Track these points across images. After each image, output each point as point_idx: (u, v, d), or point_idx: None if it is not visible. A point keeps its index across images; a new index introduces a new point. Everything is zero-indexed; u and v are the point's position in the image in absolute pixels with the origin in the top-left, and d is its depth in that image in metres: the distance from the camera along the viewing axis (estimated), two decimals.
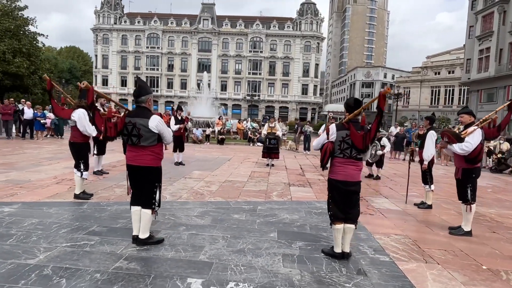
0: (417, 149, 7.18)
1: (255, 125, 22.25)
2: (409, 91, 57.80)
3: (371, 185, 8.87)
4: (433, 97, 54.69)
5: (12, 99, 15.88)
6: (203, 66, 56.87)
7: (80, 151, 5.70)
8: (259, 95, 55.97)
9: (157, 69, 57.31)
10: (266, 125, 11.41)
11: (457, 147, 4.85)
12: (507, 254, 4.30)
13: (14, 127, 15.76)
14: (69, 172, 8.00)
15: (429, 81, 54.91)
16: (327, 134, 3.81)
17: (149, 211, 3.83)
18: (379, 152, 9.54)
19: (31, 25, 26.72)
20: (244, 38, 56.38)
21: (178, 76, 57.81)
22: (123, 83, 58.68)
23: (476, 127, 4.88)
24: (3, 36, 23.30)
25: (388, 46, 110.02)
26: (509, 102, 5.00)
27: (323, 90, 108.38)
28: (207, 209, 5.53)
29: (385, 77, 74.00)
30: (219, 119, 21.00)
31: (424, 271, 3.64)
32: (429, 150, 6.36)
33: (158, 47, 57.20)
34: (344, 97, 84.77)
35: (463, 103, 46.84)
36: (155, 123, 3.75)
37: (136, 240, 3.85)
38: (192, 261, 3.53)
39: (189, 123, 10.64)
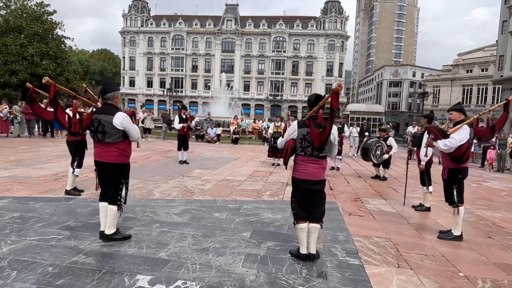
0: (415, 149, 6.85)
1: (271, 124, 22.07)
2: (439, 90, 55.65)
3: (374, 186, 8.57)
4: (465, 96, 52.30)
5: (45, 100, 16.57)
6: (227, 67, 57.35)
7: (77, 148, 5.86)
8: (281, 95, 55.73)
9: (182, 70, 58.31)
10: (272, 124, 11.31)
11: (441, 143, 4.59)
12: (493, 261, 3.99)
13: (36, 126, 16.49)
14: (60, 170, 8.25)
15: (461, 79, 52.58)
16: (290, 131, 3.69)
17: (114, 207, 3.86)
18: (385, 156, 9.22)
19: (59, 28, 27.99)
20: (267, 38, 56.30)
21: (202, 76, 58.56)
22: (149, 84, 60.15)
23: (464, 124, 4.59)
24: (32, 40, 24.54)
25: (418, 44, 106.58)
26: (506, 101, 4.66)
27: (350, 90, 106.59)
28: (190, 207, 5.51)
29: (413, 75, 71.65)
30: (234, 118, 21.04)
31: (391, 276, 3.44)
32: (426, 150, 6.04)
33: (182, 48, 58.19)
34: (370, 96, 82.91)
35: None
36: (119, 120, 3.77)
37: (102, 235, 3.88)
38: (150, 258, 3.52)
39: (193, 122, 10.67)
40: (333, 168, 10.90)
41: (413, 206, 6.44)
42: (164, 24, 58.98)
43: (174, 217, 4.97)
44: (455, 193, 4.67)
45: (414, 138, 15.31)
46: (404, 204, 6.59)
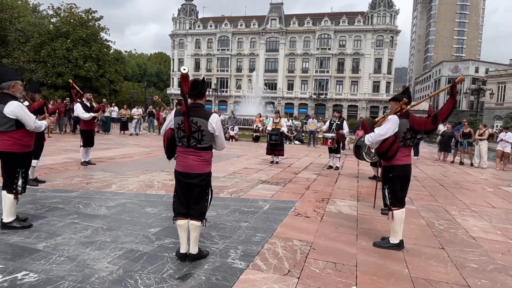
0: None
1: (296, 123, 21.44)
2: (505, 86, 50.38)
3: (363, 186, 7.87)
4: None
5: (68, 98, 17.86)
6: (270, 66, 57.27)
7: None
8: (326, 94, 54.25)
9: (227, 71, 59.32)
10: (271, 121, 10.92)
11: (365, 138, 4.02)
12: (414, 275, 3.36)
13: (68, 123, 17.71)
14: (61, 162, 8.66)
15: None
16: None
17: (11, 196, 3.88)
18: None
19: (105, 33, 29.96)
20: (312, 35, 55.16)
21: (246, 76, 59.01)
22: None
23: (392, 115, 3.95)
24: (76, 44, 26.50)
25: (484, 37, 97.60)
26: (453, 83, 3.93)
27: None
28: (129, 201, 5.43)
29: (476, 71, 65.81)
30: (257, 116, 20.79)
31: (263, 283, 3.02)
32: None
33: (228, 49, 59.17)
34: (427, 94, 77.47)
35: None
36: (11, 109, 3.77)
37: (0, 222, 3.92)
38: (24, 247, 3.47)
39: None
40: (330, 167, 10.23)
41: (382, 209, 5.74)
42: (210, 26, 60.46)
43: (102, 209, 4.91)
44: (386, 194, 4.04)
45: (442, 137, 13.97)
46: (374, 207, 5.90)
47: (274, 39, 57.34)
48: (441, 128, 15.10)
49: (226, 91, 59.02)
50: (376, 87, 53.05)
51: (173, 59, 63.43)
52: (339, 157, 10.28)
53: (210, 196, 3.44)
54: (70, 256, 3.33)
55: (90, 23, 28.60)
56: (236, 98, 58.74)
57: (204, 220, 3.40)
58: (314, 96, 53.08)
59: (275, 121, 10.76)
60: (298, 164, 10.83)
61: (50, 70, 25.18)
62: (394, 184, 4.01)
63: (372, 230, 4.73)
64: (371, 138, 3.96)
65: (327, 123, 10.47)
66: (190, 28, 61.46)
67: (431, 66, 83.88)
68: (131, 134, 18.75)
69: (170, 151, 3.39)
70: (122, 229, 4.14)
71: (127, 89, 46.42)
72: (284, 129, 10.90)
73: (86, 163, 8.41)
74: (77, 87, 8.54)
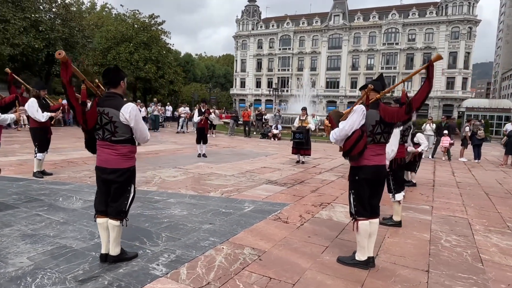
0: None
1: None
2: None
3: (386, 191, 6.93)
4: None
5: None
6: (332, 64, 55.43)
7: (35, 135, 6.39)
8: (393, 92, 50.73)
9: (288, 70, 58.80)
10: (297, 118, 10.33)
11: (330, 135, 3.41)
12: None
13: None
14: (86, 156, 9.12)
15: None
16: None
17: None
18: (410, 149, 7.36)
19: (166, 36, 31.62)
20: (378, 30, 52.03)
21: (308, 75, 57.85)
22: (258, 84, 62.51)
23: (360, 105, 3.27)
24: (138, 47, 28.32)
25: None
26: (428, 63, 3.16)
27: (490, 85, 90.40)
28: None
29: None
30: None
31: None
32: (390, 143, 4.55)
33: (289, 48, 58.61)
34: None
35: None
36: None
37: None
38: None
39: (211, 115, 10.54)
40: None
41: (384, 218, 4.93)
42: (272, 26, 60.43)
43: (78, 203, 4.94)
44: (351, 200, 3.37)
45: (509, 138, 12.05)
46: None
47: (337, 36, 55.31)
48: (509, 127, 13.02)
49: (287, 90, 58.49)
50: (450, 84, 48.21)
51: (236, 60, 64.77)
52: None
53: (131, 194, 3.17)
54: None
55: (153, 28, 30.40)
56: (296, 98, 58.05)
57: (124, 220, 3.14)
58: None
59: (301, 118, 10.16)
60: (326, 165, 10.08)
61: None
62: (361, 189, 3.33)
63: (352, 241, 4.03)
64: (335, 135, 3.34)
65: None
66: (252, 29, 62.12)
67: None
68: (177, 132, 19.37)
69: (88, 145, 3.18)
70: (77, 224, 4.07)
71: (190, 90, 48.53)
72: (312, 126, 10.21)
73: None
74: (102, 86, 8.85)
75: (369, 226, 3.33)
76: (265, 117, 21.64)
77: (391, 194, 4.76)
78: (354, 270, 3.29)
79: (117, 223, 3.09)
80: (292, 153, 10.33)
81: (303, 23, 58.04)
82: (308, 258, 3.50)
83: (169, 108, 22.49)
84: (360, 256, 3.36)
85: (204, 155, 10.26)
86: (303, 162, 10.08)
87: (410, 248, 3.96)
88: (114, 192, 3.08)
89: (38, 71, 20.42)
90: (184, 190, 6.09)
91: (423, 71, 3.32)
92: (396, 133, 4.53)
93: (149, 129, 19.53)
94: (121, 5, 71.79)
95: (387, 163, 4.58)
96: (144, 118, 18.35)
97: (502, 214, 5.70)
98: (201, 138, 10.25)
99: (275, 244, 3.81)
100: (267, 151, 13.04)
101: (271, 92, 58.26)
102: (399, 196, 4.68)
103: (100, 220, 3.14)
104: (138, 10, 30.41)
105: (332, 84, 56.41)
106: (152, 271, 3.04)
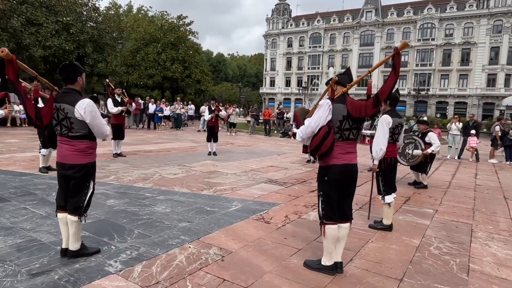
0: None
1: None
2: None
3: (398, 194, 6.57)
4: None
5: (148, 97, 19.62)
6: (364, 61, 53.93)
7: (39, 132, 6.62)
8: (428, 89, 48.56)
9: (318, 68, 57.91)
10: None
11: (297, 134, 3.23)
12: None
13: (144, 119, 19.39)
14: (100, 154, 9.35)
15: None
16: None
17: None
18: (417, 152, 6.96)
19: (194, 36, 32.15)
20: (412, 26, 49.95)
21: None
22: (287, 83, 62.08)
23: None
24: (166, 48, 28.98)
25: None
26: (394, 51, 2.93)
27: None
28: (104, 191, 5.50)
29: None
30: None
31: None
32: (378, 141, 4.29)
33: (319, 46, 57.71)
34: None
35: None
36: None
37: None
38: None
39: (221, 112, 10.52)
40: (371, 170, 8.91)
41: (375, 221, 4.67)
42: (303, 23, 59.77)
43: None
44: (319, 203, 3.18)
45: None
46: (368, 218, 4.85)
47: (369, 33, 53.72)
48: None
49: (317, 89, 57.57)
50: (491, 81, 45.34)
51: (266, 59, 64.65)
52: None
53: (90, 190, 3.17)
54: None
55: (181, 28, 30.99)
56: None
57: (82, 216, 3.15)
58: (414, 93, 48.00)
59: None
60: None
61: (143, 72, 28.15)
62: (330, 191, 3.12)
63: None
64: (301, 133, 3.16)
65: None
66: (282, 28, 61.76)
67: None
68: (198, 131, 19.58)
69: (50, 139, 3.22)
70: (56, 218, 4.11)
71: (219, 89, 49.03)
72: None
73: (117, 155, 8.95)
74: (111, 85, 9.12)
75: (337, 230, 3.12)
76: (287, 115, 21.40)
77: (380, 196, 4.49)
78: (318, 275, 3.10)
79: (75, 218, 3.11)
80: (303, 152, 10.02)
81: (334, 20, 56.91)
82: (274, 261, 3.35)
83: (192, 107, 22.79)
84: (326, 261, 3.17)
85: (214, 153, 10.27)
86: (313, 162, 9.82)
87: (392, 254, 3.70)
88: (72, 188, 3.10)
89: None
90: (179, 187, 6.09)
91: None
92: (384, 131, 4.27)
93: (171, 127, 20.00)
94: (150, 6, 73.95)
95: (376, 162, 4.35)
96: (166, 116, 18.76)
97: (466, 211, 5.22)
98: (212, 136, 10.26)
99: (246, 245, 3.69)
100: (281, 150, 12.86)
101: (300, 91, 57.64)
102: (389, 198, 4.39)
103: (60, 215, 3.17)
104: (166, 11, 31.21)
105: (364, 82, 54.80)
106: (107, 267, 3.03)
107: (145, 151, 10.35)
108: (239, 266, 3.19)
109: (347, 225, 3.19)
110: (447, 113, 46.76)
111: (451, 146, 12.91)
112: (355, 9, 55.85)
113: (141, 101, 18.97)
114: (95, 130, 3.08)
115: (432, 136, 7.04)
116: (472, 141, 12.37)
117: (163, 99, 22.21)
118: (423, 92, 47.62)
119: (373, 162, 4.37)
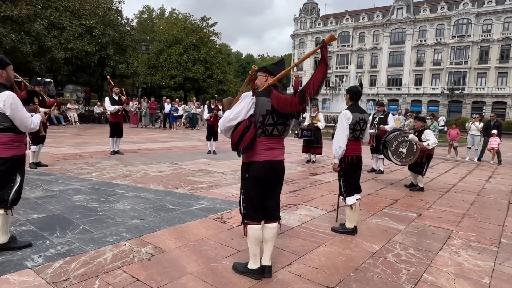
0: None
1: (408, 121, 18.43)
2: None
3: (381, 196, 6.21)
4: None
5: (164, 97, 19.95)
6: (394, 60, 52.12)
7: None
8: (463, 89, 46.10)
9: (346, 68, 56.56)
10: (308, 115, 9.77)
11: (218, 125, 3.04)
12: None
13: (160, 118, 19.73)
14: (88, 151, 9.59)
15: None
16: None
17: None
18: (411, 136, 6.51)
19: (217, 37, 32.42)
20: (447, 22, 47.60)
21: (368, 72, 55.21)
22: None
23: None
24: (188, 48, 29.40)
25: None
26: (321, 44, 2.67)
27: None
28: (79, 187, 5.56)
29: None
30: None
31: (18, 286, 2.58)
32: (337, 139, 4.01)
33: (348, 45, 56.44)
34: None
35: None
36: None
37: None
38: None
39: (220, 111, 10.42)
40: (373, 170, 8.49)
41: (340, 224, 4.37)
42: (331, 22, 58.76)
43: (35, 192, 5.15)
44: (241, 201, 2.98)
45: None
46: (336, 220, 4.55)
47: (400, 30, 51.80)
48: None
49: (339, 89, 56.37)
50: None
51: (293, 59, 64.04)
52: (383, 159, 8.40)
53: (16, 184, 3.16)
54: None
55: (205, 30, 31.38)
56: (369, 96, 55.61)
57: (9, 209, 3.14)
58: (447, 92, 45.75)
59: (312, 115, 9.59)
60: None
61: (165, 72, 28.75)
62: (252, 189, 2.92)
63: (276, 248, 3.60)
64: (221, 125, 2.97)
65: (370, 117, 8.72)
66: (310, 27, 61.03)
67: None
68: None
69: None
70: (21, 213, 4.19)
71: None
72: (321, 124, 9.57)
73: (115, 152, 9.09)
74: (112, 82, 9.28)
75: (260, 231, 2.91)
76: (303, 115, 20.98)
77: (341, 197, 4.18)
78: (242, 280, 2.90)
79: (1, 211, 3.10)
80: (303, 151, 9.80)
81: (363, 18, 55.49)
82: (203, 262, 3.18)
83: (206, 107, 22.93)
84: (252, 264, 2.95)
85: (214, 152, 10.20)
86: (313, 162, 9.50)
87: (339, 260, 3.41)
88: (3, 180, 3.10)
89: (92, 73, 22.45)
90: (155, 185, 6.04)
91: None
92: (344, 127, 3.98)
93: (186, 127, 20.20)
94: (172, 8, 75.25)
95: (336, 161, 4.08)
96: (179, 116, 18.98)
97: (508, 228, 4.71)
98: (211, 135, 10.20)
99: (184, 245, 3.54)
100: (286, 150, 12.56)
101: (327, 91, 56.65)
102: (350, 200, 4.08)
103: None
104: (189, 13, 31.74)
105: (394, 81, 53.07)
106: (26, 262, 2.99)
107: (146, 150, 10.47)
108: (162, 267, 3.05)
109: (274, 225, 2.97)
110: (483, 114, 44.09)
111: (470, 147, 12.07)
112: (385, 7, 54.13)
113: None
114: (17, 122, 3.06)
115: (428, 133, 6.54)
116: (494, 141, 11.49)
117: (176, 99, 22.56)
118: (457, 92, 45.29)
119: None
